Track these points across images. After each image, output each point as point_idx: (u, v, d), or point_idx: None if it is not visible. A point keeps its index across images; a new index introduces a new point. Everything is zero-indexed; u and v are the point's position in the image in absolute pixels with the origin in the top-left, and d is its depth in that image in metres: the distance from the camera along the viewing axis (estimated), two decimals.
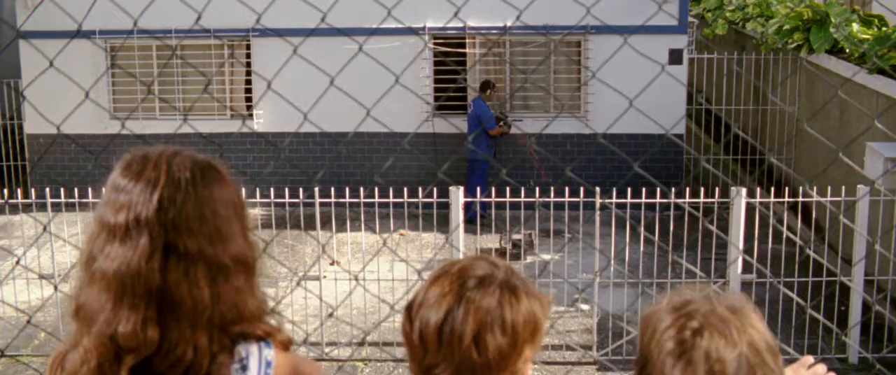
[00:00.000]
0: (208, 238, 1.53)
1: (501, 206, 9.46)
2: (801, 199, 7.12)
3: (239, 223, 1.59)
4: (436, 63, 11.23)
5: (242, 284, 1.56)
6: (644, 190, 7.39)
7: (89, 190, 7.14)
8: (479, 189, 8.83)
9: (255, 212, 8.01)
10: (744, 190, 6.99)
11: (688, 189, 7.45)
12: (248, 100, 11.55)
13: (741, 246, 7.25)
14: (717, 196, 7.71)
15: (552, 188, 7.44)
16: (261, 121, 11.43)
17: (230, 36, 11.36)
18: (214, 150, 11.04)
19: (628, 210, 7.64)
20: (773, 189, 10.36)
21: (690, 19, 12.71)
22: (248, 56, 11.39)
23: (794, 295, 5.97)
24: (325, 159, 11.48)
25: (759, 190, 9.44)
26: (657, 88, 9.94)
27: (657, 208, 8.77)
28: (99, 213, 1.57)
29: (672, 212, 8.82)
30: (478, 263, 1.57)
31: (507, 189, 7.49)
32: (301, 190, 8.22)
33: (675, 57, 10.90)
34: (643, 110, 9.95)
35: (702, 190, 7.70)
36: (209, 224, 1.54)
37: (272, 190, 7.92)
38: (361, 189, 7.83)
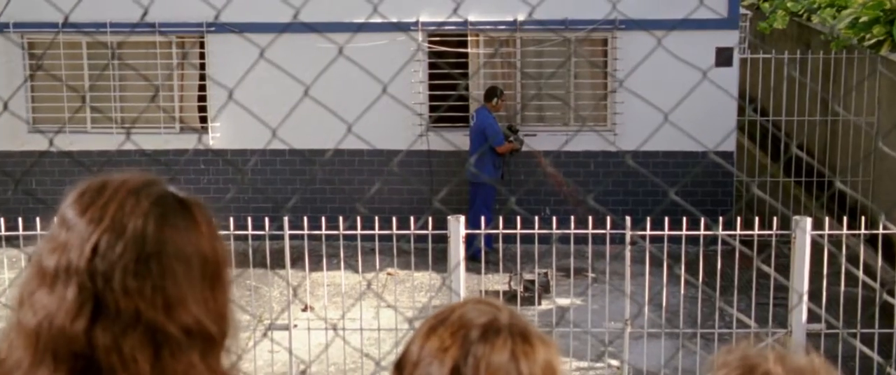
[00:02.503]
0: (149, 300, 1.50)
1: (510, 240, 9.54)
2: (880, 231, 7.19)
3: (205, 284, 1.55)
4: (431, 66, 11.35)
5: (197, 362, 1.52)
6: (685, 220, 7.48)
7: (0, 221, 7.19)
8: (483, 219, 8.94)
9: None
10: (808, 221, 7.06)
11: (739, 219, 7.53)
12: (203, 110, 11.66)
13: (806, 289, 7.31)
14: (775, 227, 7.77)
15: (573, 218, 7.54)
16: (218, 136, 11.54)
17: (180, 32, 11.49)
18: (161, 172, 11.13)
19: (666, 244, 7.73)
20: (845, 219, 10.43)
21: (742, 11, 12.82)
22: (202, 56, 11.52)
23: (871, 352, 6.02)
24: (296, 183, 11.58)
25: (827, 220, 9.49)
26: (701, 96, 10.02)
27: (701, 242, 8.83)
28: (37, 250, 1.54)
29: (719, 248, 8.89)
30: (477, 308, 1.58)
31: (518, 219, 7.59)
32: (267, 220, 8.31)
33: (723, 57, 11.01)
34: (683, 123, 10.04)
35: (756, 220, 7.77)
36: (153, 283, 1.50)
37: (231, 220, 8.00)
38: (341, 219, 7.91)
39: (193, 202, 1.58)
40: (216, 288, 1.58)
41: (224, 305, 1.58)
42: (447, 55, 11.37)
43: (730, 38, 11.07)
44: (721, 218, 7.78)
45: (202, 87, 11.66)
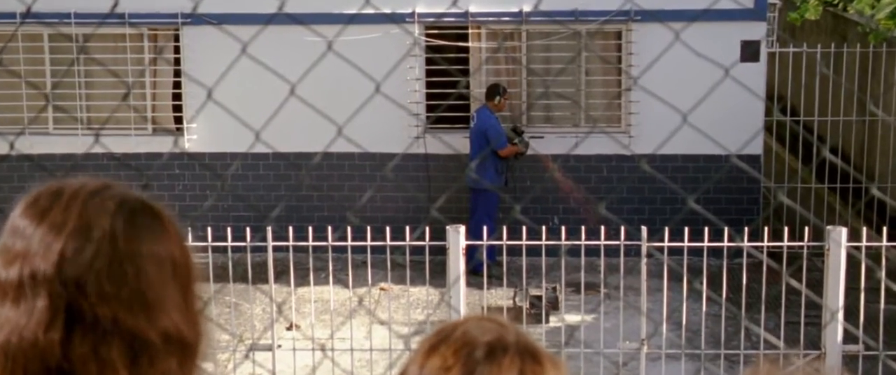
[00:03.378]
0: (127, 306, 1.53)
1: (515, 252, 9.57)
2: None
3: (178, 289, 1.60)
4: (428, 62, 11.38)
5: (175, 369, 1.56)
6: (707, 230, 7.51)
7: None
8: (485, 229, 8.95)
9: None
10: (843, 231, 7.08)
11: (766, 229, 7.54)
12: (178, 109, 11.68)
13: (841, 306, 7.32)
14: (806, 238, 7.79)
15: (583, 228, 7.56)
16: (195, 138, 11.57)
17: (153, 23, 11.52)
18: (132, 177, 11.16)
19: (685, 257, 7.76)
20: (884, 229, 10.45)
21: (771, 1, 12.86)
22: (177, 51, 11.55)
23: None
24: (281, 189, 11.61)
25: (864, 230, 9.50)
26: (725, 94, 10.08)
27: (725, 255, 8.85)
28: None
29: (745, 261, 8.89)
30: (481, 325, 1.59)
31: (523, 229, 7.61)
32: (249, 230, 8.32)
33: (749, 51, 11.04)
34: (705, 124, 10.08)
35: (786, 230, 7.80)
36: (130, 287, 1.54)
37: (209, 230, 8.03)
38: (329, 229, 7.95)
39: (155, 204, 1.62)
40: (189, 293, 1.62)
41: (197, 311, 1.63)
42: (446, 50, 11.41)
43: (757, 31, 11.09)
44: (746, 228, 7.77)
45: (177, 85, 11.67)
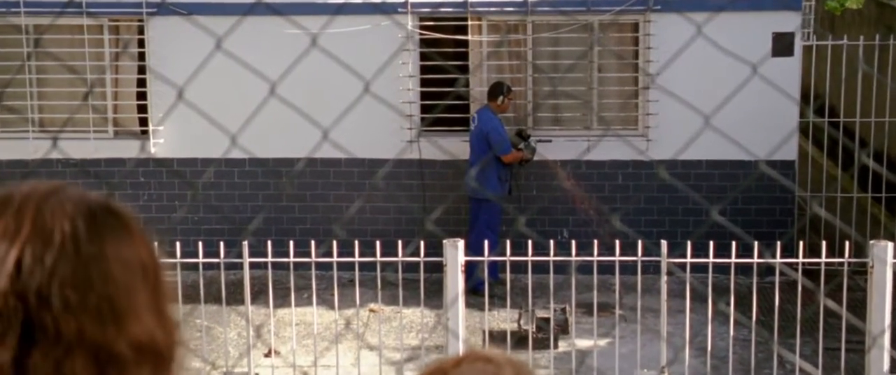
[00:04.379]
0: (94, 315, 1.55)
1: (520, 269, 9.59)
2: None
3: (148, 293, 1.62)
4: (423, 57, 11.41)
5: None
6: (734, 245, 7.53)
7: None
8: (487, 243, 8.96)
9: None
10: (889, 246, 7.09)
11: (801, 243, 7.57)
12: (143, 110, 11.69)
13: (887, 329, 7.33)
14: (847, 254, 7.80)
15: (596, 242, 7.59)
16: (162, 142, 11.58)
17: (114, 13, 11.55)
18: (91, 186, 11.16)
19: (711, 275, 7.78)
20: None
21: None
22: (142, 44, 11.57)
23: None
24: (258, 199, 11.63)
25: None
26: (754, 93, 10.11)
27: (755, 272, 8.87)
28: None
29: (777, 279, 8.91)
30: (474, 368, 1.60)
31: (529, 243, 7.64)
32: (222, 244, 8.35)
33: (782, 45, 11.06)
34: (732, 127, 10.11)
35: (823, 245, 7.82)
36: (97, 294, 1.56)
37: (178, 244, 8.05)
38: (313, 243, 7.98)
39: (116, 205, 1.64)
40: (160, 297, 1.64)
41: (170, 318, 1.64)
42: (443, 44, 11.42)
43: (790, 22, 11.11)
44: (779, 243, 7.81)
45: (142, 82, 11.69)
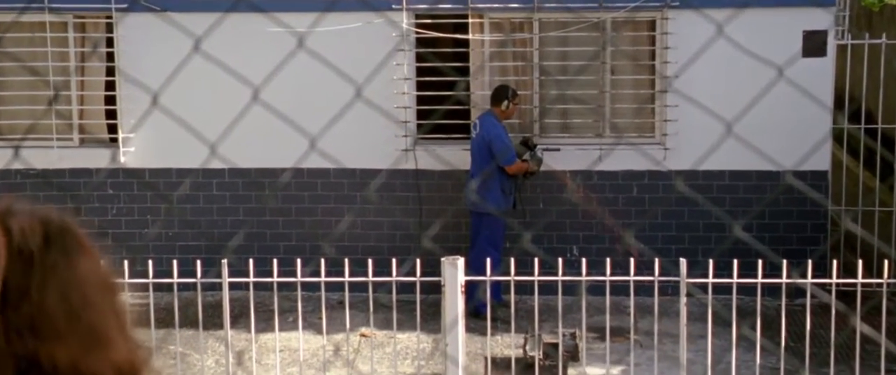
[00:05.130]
0: (82, 342, 1.59)
1: (526, 290, 9.58)
2: None
3: (115, 315, 1.67)
4: (419, 58, 11.41)
5: None
6: (760, 263, 7.52)
7: None
8: (489, 261, 8.95)
9: (125, 300, 8.10)
10: None
11: (834, 262, 7.54)
12: (112, 115, 11.67)
13: None
14: (886, 274, 7.77)
15: (608, 260, 7.58)
16: (133, 151, 11.58)
17: (79, 9, 11.53)
18: (55, 198, 11.17)
19: (734, 296, 7.77)
20: None
21: None
22: (111, 43, 11.55)
23: None
24: (239, 213, 11.62)
25: None
26: (783, 97, 10.13)
27: (783, 294, 8.85)
28: None
29: (809, 301, 8.90)
30: None
31: (535, 261, 7.64)
32: (199, 263, 8.35)
33: (813, 44, 11.04)
34: (757, 134, 10.11)
35: (859, 264, 7.79)
36: (82, 320, 1.60)
37: (151, 263, 8.05)
38: (299, 262, 7.98)
39: (71, 221, 1.68)
40: (123, 319, 1.69)
41: (133, 337, 1.70)
42: (441, 44, 11.43)
43: (823, 19, 11.08)
44: (810, 262, 7.78)
45: (111, 86, 11.67)
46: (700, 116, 10.59)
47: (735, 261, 7.56)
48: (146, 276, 7.80)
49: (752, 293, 8.24)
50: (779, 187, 11.02)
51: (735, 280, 7.37)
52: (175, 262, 8.34)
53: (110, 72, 11.62)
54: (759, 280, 7.34)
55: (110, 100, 11.65)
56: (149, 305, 8.02)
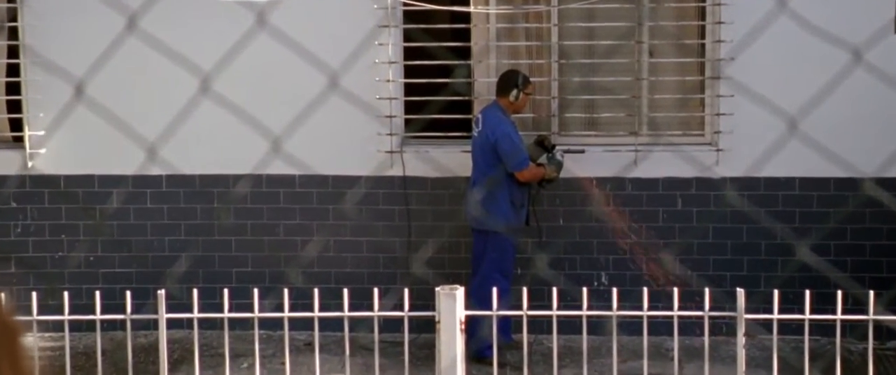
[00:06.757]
0: None
1: (542, 327, 9.57)
2: None
3: (13, 365, 1.72)
4: (408, 38, 11.44)
5: None
6: (839, 295, 7.53)
7: None
8: (494, 291, 8.98)
9: (34, 342, 8.12)
10: None
11: None
12: (15, 108, 11.68)
13: None
14: None
15: (645, 291, 7.60)
16: (44, 153, 11.59)
17: None
18: None
19: (807, 337, 7.78)
20: None
21: None
22: (14, 17, 11.54)
23: None
24: (180, 232, 11.63)
25: None
26: (862, 88, 10.13)
27: (870, 334, 8.86)
28: None
29: None
30: None
31: (553, 291, 7.66)
32: (129, 294, 8.38)
33: None
34: (830, 134, 10.13)
35: None
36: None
37: (67, 295, 8.06)
38: (256, 292, 8.00)
39: None
40: (28, 367, 1.75)
41: None
42: (435, 19, 11.45)
43: None
44: None
45: (14, 70, 11.67)
46: (761, 110, 10.61)
47: (807, 292, 7.56)
48: (61, 312, 7.81)
49: (830, 333, 8.27)
50: (860, 198, 11.00)
51: (807, 315, 7.37)
52: (98, 294, 8.34)
53: (12, 52, 11.63)
54: (839, 316, 7.33)
55: (13, 88, 11.66)
56: (64, 349, 8.03)
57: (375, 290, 7.74)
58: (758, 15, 10.60)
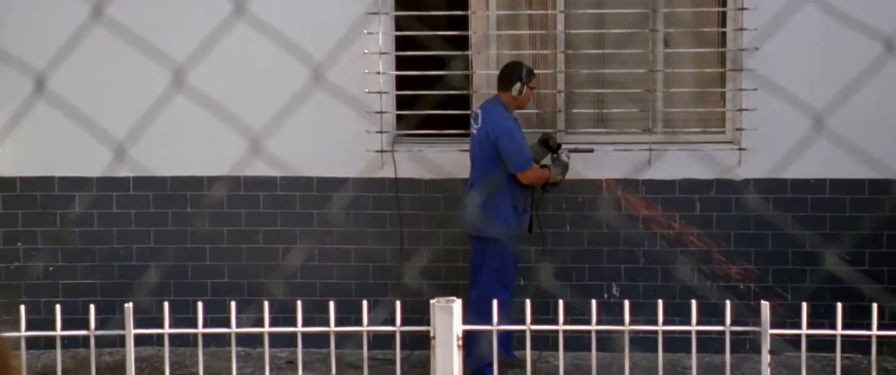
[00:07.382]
0: None
1: (547, 343, 9.57)
2: None
3: None
4: (400, 26, 11.44)
5: None
6: (875, 308, 7.54)
7: None
8: (495, 304, 8.98)
9: None
10: None
11: None
12: None
13: None
14: None
15: (660, 302, 7.60)
16: (1, 155, 11.58)
17: None
18: None
19: (839, 354, 7.79)
20: None
21: None
22: None
23: None
24: (149, 239, 11.64)
25: None
26: (893, 83, 10.16)
27: None
28: None
29: None
30: None
31: (559, 304, 7.65)
32: (93, 308, 8.37)
33: None
34: (863, 131, 10.13)
35: None
36: None
37: (24, 309, 8.06)
38: (233, 306, 8.00)
39: None
40: None
41: None
42: (429, 6, 11.46)
43: None
44: None
45: None
46: (787, 105, 10.62)
47: (838, 305, 7.55)
48: (18, 328, 7.80)
49: (864, 349, 8.27)
50: (893, 202, 10.99)
51: (839, 331, 7.36)
52: (58, 307, 8.32)
53: None
54: (874, 331, 7.33)
55: None
56: (19, 368, 8.03)
57: (364, 303, 7.73)
58: (783, 0, 10.62)
